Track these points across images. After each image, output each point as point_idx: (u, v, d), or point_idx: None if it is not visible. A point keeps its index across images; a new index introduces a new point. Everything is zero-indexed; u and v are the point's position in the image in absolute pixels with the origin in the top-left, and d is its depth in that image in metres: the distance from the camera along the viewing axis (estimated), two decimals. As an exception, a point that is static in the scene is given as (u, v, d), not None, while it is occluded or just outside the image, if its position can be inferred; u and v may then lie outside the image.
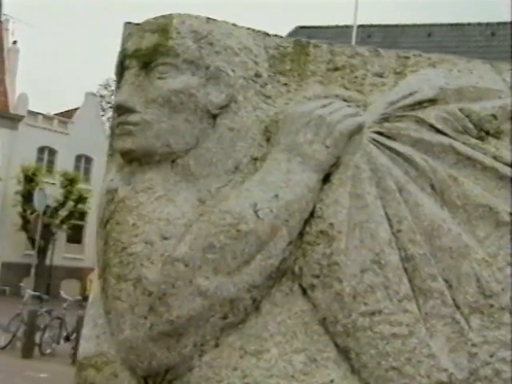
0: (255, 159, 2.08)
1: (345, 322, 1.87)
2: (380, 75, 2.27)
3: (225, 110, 2.10)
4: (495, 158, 2.07)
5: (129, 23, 2.39)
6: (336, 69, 2.27)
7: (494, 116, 2.12)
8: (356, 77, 2.26)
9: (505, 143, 2.11)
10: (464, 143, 2.09)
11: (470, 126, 2.11)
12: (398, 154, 2.05)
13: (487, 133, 2.12)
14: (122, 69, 2.17)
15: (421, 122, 2.10)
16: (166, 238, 1.93)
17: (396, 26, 17.39)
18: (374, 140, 2.07)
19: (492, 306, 1.90)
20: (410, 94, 2.15)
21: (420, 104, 2.13)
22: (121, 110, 2.07)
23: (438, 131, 2.10)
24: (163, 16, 2.17)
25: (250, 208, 1.92)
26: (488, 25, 17.63)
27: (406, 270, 1.92)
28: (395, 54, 2.32)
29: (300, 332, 1.91)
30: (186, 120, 2.06)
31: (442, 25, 18.16)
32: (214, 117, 2.09)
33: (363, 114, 2.11)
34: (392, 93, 2.18)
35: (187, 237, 1.91)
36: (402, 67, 2.28)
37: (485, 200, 2.01)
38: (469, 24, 17.65)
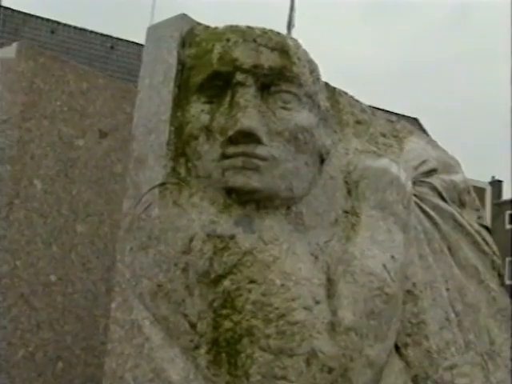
0: (346, 212, 1.98)
1: (435, 378, 1.99)
2: (384, 135, 2.43)
3: (327, 156, 1.93)
4: (470, 225, 2.51)
5: (187, 16, 1.89)
6: (358, 122, 2.32)
7: (464, 188, 2.57)
8: (372, 134, 2.36)
9: (470, 213, 2.58)
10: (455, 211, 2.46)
11: (456, 195, 2.49)
12: (430, 217, 2.28)
13: (461, 203, 2.55)
14: (221, 80, 1.74)
15: (433, 189, 2.37)
16: (318, 302, 1.67)
17: (19, 12, 15.90)
18: (415, 202, 2.24)
19: (494, 351, 2.33)
20: (423, 162, 2.39)
21: (430, 172, 2.40)
22: (248, 138, 1.67)
23: (443, 198, 2.41)
24: (272, 31, 1.83)
25: (384, 270, 1.84)
26: (109, 37, 17.90)
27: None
28: (383, 116, 2.51)
29: None
30: (306, 163, 1.82)
31: (66, 25, 17.23)
32: (321, 162, 1.90)
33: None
34: (409, 157, 2.37)
35: (344, 301, 1.70)
36: (395, 131, 2.49)
37: (474, 261, 2.42)
38: (91, 32, 17.53)
